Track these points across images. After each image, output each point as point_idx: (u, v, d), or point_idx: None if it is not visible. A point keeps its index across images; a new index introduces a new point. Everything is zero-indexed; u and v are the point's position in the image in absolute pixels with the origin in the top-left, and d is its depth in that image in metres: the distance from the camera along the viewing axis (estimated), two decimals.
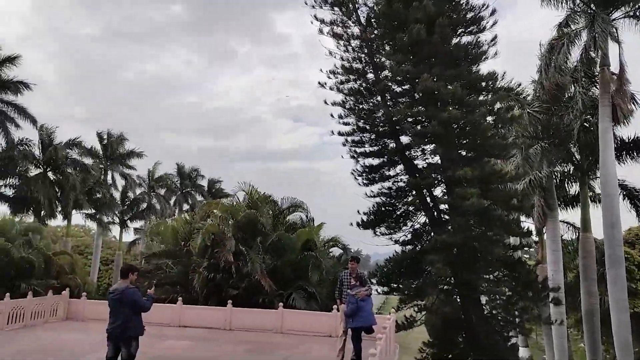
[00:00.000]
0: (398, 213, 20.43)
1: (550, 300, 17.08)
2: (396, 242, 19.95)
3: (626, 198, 22.03)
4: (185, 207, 43.76)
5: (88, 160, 35.45)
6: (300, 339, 13.51)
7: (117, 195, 39.72)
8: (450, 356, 17.20)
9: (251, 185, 19.38)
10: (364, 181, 20.95)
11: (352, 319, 9.61)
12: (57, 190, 32.36)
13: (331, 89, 21.64)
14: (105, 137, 38.20)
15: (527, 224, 23.73)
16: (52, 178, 32.57)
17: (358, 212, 20.24)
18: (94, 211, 35.37)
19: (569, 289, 24.05)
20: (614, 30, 19.84)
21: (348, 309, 9.70)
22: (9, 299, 14.03)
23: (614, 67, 19.99)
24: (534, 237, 24.04)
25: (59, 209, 32.27)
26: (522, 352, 27.83)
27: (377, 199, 20.58)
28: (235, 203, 19.23)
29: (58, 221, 36.71)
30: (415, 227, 20.13)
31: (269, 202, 19.13)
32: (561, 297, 19.64)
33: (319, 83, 21.76)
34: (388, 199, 20.52)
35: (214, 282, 16.00)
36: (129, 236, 41.55)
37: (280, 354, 11.68)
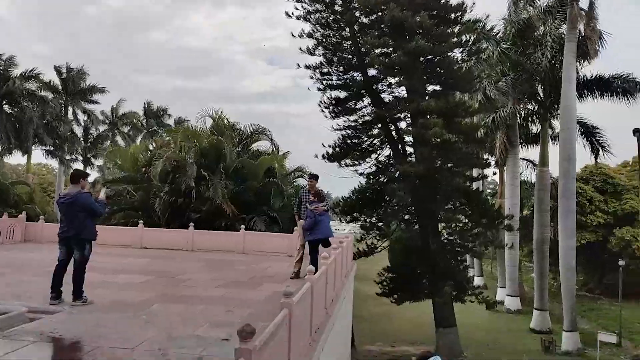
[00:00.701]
0: (363, 146, 20.54)
1: (503, 227, 17.88)
2: (361, 174, 20.17)
3: (583, 135, 22.80)
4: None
5: (47, 95, 33.99)
6: (260, 257, 13.80)
7: (79, 132, 38.59)
8: (407, 281, 17.96)
9: (219, 111, 18.97)
10: (331, 114, 20.83)
11: (310, 232, 9.90)
12: (15, 124, 31.14)
13: (298, 18, 20.98)
14: (64, 71, 36.36)
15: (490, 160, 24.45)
16: (8, 112, 31.22)
17: (323, 145, 20.29)
18: (54, 148, 34.33)
19: (525, 223, 25.25)
20: None
21: (306, 223, 9.96)
22: None
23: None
24: (493, 169, 24.83)
25: (17, 143, 31.20)
26: (477, 280, 29.39)
27: (343, 132, 20.64)
28: (200, 129, 18.87)
29: (19, 159, 35.63)
30: (379, 159, 20.36)
31: (235, 130, 18.86)
32: (515, 225, 20.60)
33: (286, 13, 21.05)
34: (354, 132, 20.54)
35: (175, 206, 15.98)
36: (93, 175, 40.77)
37: (239, 269, 11.94)
